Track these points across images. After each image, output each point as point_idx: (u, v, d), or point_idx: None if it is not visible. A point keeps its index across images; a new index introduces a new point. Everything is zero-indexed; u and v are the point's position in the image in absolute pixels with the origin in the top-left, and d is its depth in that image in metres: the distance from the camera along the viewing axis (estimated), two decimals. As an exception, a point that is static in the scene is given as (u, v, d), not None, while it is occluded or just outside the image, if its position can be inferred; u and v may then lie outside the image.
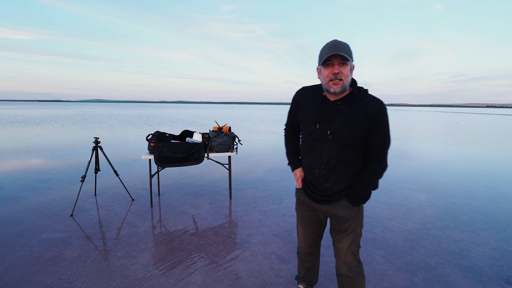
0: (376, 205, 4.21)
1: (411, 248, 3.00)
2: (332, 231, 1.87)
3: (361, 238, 3.09)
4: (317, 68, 1.65)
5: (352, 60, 1.57)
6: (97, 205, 4.11)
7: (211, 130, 4.18)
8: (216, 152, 4.06)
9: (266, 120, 25.06)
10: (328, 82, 1.56)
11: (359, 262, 1.82)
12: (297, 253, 2.13)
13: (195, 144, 3.90)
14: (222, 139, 4.02)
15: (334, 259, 2.43)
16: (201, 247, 2.97)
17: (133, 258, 2.75)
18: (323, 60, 1.54)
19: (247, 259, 2.77)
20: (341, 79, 1.53)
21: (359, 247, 1.82)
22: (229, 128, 4.26)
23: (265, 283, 2.42)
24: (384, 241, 3.14)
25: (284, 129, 1.99)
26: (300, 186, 1.87)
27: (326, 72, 1.56)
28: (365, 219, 3.71)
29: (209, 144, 4.05)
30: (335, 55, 1.51)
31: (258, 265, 2.67)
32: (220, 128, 4.13)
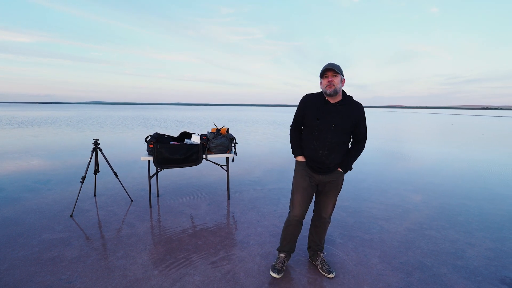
0: (372, 205, 4.25)
1: (407, 248, 3.04)
2: (321, 193, 2.59)
3: (358, 239, 3.25)
4: (320, 82, 2.40)
5: (342, 75, 2.34)
6: (96, 206, 4.13)
7: (209, 131, 4.21)
8: (214, 153, 4.09)
9: (259, 121, 25.11)
10: (325, 87, 2.32)
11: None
12: (287, 225, 2.58)
13: (194, 145, 3.93)
14: (220, 141, 4.05)
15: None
16: (199, 248, 3.00)
17: (132, 258, 2.78)
18: (321, 74, 2.35)
19: (245, 259, 2.80)
20: (333, 85, 2.29)
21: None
22: (227, 130, 4.29)
23: (263, 283, 2.45)
24: (380, 241, 3.18)
25: (291, 126, 2.59)
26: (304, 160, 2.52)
27: (324, 81, 2.34)
28: (361, 219, 3.76)
29: (207, 145, 4.09)
30: (329, 71, 2.30)
31: (256, 265, 2.71)
32: (218, 130, 4.17)
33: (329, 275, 2.54)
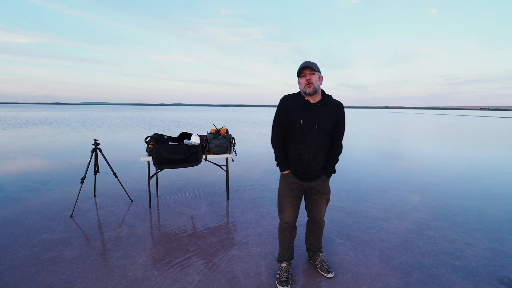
0: (371, 206, 4.26)
1: (406, 248, 3.05)
2: (311, 198, 2.52)
3: (357, 239, 3.27)
4: (298, 81, 2.33)
5: (320, 73, 2.29)
6: (96, 206, 4.14)
7: (208, 132, 4.22)
8: (214, 154, 4.10)
9: (258, 122, 25.14)
10: (304, 86, 2.26)
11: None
12: (283, 232, 2.53)
13: (193, 146, 3.94)
14: (220, 141, 4.06)
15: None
16: (198, 248, 3.01)
17: (132, 258, 2.79)
18: (298, 73, 2.29)
19: (244, 259, 2.81)
20: (311, 83, 2.23)
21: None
22: (227, 131, 4.30)
23: (262, 283, 2.46)
24: (379, 241, 3.19)
25: (273, 135, 2.43)
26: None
27: (302, 80, 2.27)
28: (360, 220, 3.77)
29: (207, 146, 4.10)
30: (306, 69, 2.24)
31: (255, 265, 2.72)
32: (217, 130, 4.18)
33: (328, 275, 2.55)
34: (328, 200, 2.56)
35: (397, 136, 14.49)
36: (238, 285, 2.42)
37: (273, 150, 2.47)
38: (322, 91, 2.37)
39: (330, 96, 2.39)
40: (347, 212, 4.03)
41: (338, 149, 2.43)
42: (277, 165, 2.45)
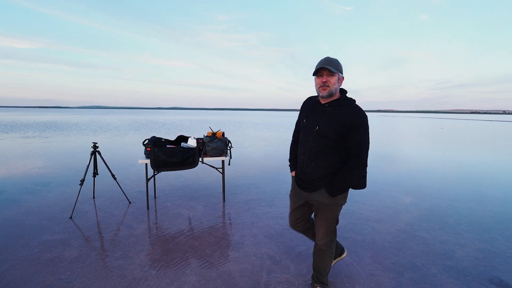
0: (364, 207, 4.32)
1: (398, 249, 3.10)
2: (315, 213, 2.22)
3: (350, 240, 3.30)
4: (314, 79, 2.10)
5: (341, 73, 2.01)
6: (95, 207, 4.19)
7: (205, 135, 4.28)
8: (210, 156, 4.16)
9: (254, 125, 25.17)
10: (319, 88, 2.01)
11: (331, 240, 2.22)
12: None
13: (190, 149, 4.00)
14: (216, 144, 4.13)
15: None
16: (195, 248, 3.07)
17: (130, 259, 2.84)
18: (315, 72, 2.01)
19: (240, 259, 2.87)
20: (328, 86, 1.96)
21: (334, 230, 2.21)
22: (223, 134, 4.37)
23: (258, 282, 2.51)
24: (372, 242, 3.25)
25: (293, 135, 2.40)
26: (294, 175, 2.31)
27: (318, 80, 2.01)
28: (353, 221, 3.82)
29: (204, 149, 4.16)
30: (324, 69, 1.96)
31: (250, 265, 2.77)
32: (214, 134, 4.24)
33: None
34: (328, 222, 2.15)
35: (389, 139, 14.57)
36: (234, 285, 2.47)
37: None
38: (343, 93, 2.09)
39: (351, 99, 2.05)
40: (341, 213, 4.09)
41: (351, 166, 1.98)
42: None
